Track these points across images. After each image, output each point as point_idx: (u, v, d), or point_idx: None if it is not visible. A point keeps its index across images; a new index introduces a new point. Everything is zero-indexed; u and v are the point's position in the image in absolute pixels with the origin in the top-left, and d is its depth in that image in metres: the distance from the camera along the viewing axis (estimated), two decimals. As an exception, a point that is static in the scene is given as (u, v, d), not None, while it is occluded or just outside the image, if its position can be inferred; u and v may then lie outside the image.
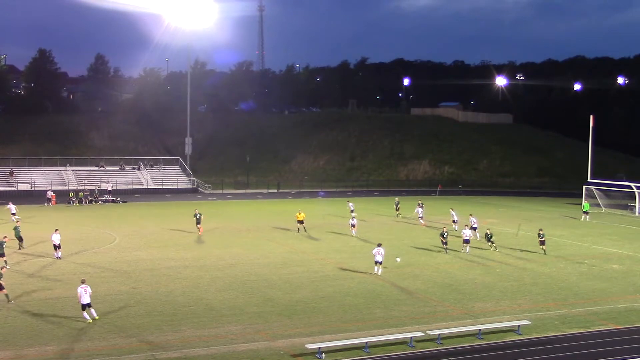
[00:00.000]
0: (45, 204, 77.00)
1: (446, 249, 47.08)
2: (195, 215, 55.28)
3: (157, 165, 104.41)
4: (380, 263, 38.94)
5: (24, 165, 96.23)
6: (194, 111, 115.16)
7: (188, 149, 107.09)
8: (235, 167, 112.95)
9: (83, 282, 29.90)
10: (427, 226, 61.24)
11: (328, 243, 51.37)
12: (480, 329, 27.88)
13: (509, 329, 28.47)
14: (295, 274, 39.54)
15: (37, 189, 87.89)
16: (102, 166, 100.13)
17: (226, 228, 58.91)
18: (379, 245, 39.55)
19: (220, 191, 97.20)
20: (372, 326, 29.04)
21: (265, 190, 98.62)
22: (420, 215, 63.54)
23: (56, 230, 44.16)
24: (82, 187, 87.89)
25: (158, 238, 52.60)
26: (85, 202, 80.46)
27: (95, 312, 29.30)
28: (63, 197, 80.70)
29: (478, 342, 27.03)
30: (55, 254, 43.23)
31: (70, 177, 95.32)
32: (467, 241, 47.40)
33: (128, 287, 35.74)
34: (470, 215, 56.43)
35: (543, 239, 47.80)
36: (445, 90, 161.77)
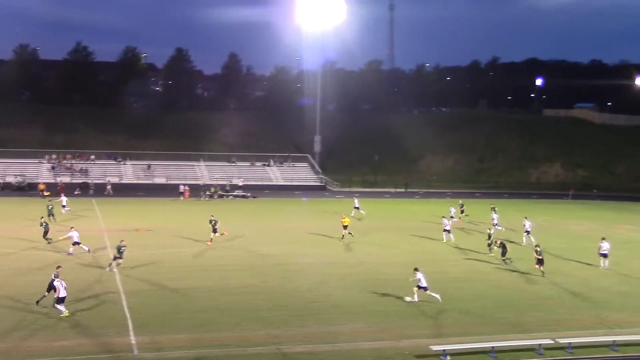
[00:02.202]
0: (181, 197, 79.91)
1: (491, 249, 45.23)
2: (210, 222, 48.48)
3: (286, 162, 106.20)
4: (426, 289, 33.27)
5: (160, 159, 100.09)
6: (324, 109, 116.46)
7: (317, 147, 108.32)
8: (363, 166, 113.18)
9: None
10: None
11: (459, 243, 50.55)
12: (614, 340, 26.65)
13: (647, 342, 27.09)
14: (425, 274, 38.96)
15: (171, 182, 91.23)
16: (234, 162, 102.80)
17: (355, 226, 57.06)
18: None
19: (347, 189, 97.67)
20: (499, 330, 28.43)
21: (392, 190, 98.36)
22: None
23: (72, 227, 43.53)
24: (213, 182, 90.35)
25: (287, 234, 53.33)
26: (215, 197, 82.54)
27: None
28: (196, 191, 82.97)
29: (612, 354, 25.88)
30: (71, 250, 41.81)
31: (203, 172, 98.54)
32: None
33: (257, 280, 36.62)
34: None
35: (541, 257, 39.26)
36: (580, 91, 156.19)
